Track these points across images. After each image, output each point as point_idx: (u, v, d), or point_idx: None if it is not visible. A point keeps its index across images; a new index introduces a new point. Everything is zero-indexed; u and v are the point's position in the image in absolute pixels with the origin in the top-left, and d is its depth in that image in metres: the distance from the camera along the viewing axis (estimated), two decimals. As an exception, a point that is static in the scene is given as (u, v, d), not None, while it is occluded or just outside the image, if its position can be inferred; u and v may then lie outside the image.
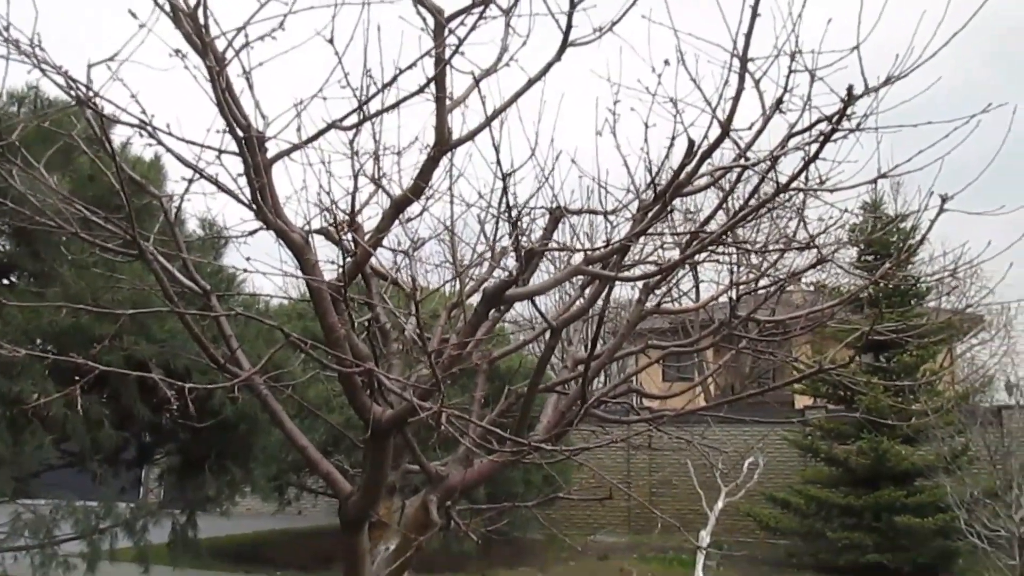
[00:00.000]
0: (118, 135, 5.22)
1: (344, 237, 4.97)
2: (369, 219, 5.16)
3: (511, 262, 6.04)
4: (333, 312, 3.74)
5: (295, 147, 3.38)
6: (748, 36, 3.12)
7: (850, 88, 2.85)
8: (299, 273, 5.46)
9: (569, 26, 4.00)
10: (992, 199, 4.03)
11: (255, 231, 4.75)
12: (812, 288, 13.80)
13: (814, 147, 3.68)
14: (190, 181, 3.97)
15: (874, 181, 2.98)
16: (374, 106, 3.56)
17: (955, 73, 3.32)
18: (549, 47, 4.28)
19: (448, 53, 3.72)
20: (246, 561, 14.58)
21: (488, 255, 5.42)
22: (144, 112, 3.39)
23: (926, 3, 3.61)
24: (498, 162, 4.18)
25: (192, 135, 3.51)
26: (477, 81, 3.95)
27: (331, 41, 3.05)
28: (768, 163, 3.79)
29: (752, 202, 4.27)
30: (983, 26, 3.53)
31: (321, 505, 19.76)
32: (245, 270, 4.08)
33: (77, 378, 3.57)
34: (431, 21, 3.76)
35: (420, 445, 4.82)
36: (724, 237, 3.84)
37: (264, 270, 4.44)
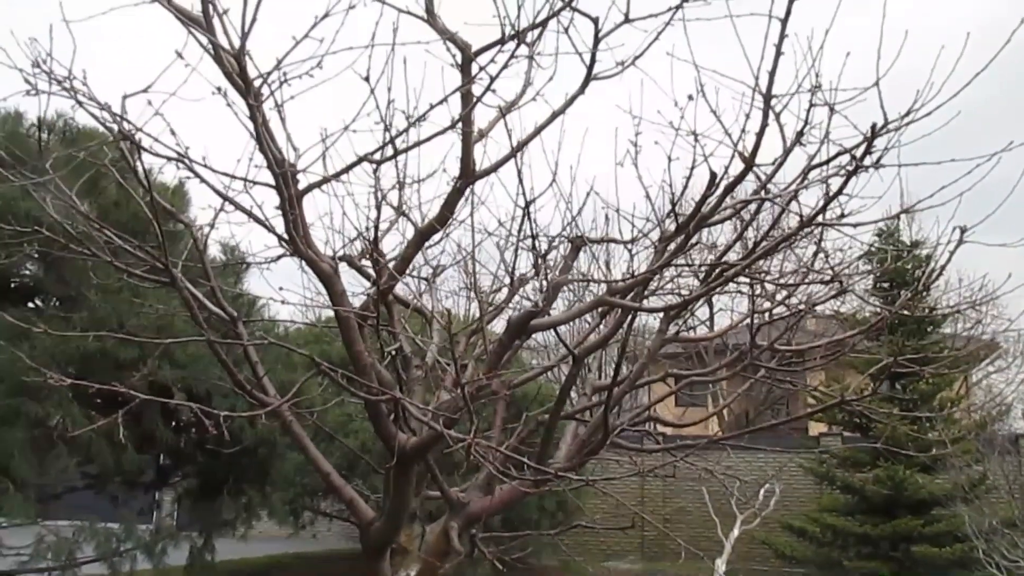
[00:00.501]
0: (147, 163, 5.35)
1: (365, 264, 5.07)
2: (393, 249, 5.26)
3: (531, 290, 6.13)
4: (360, 340, 3.81)
5: (326, 180, 3.47)
6: (772, 74, 3.19)
7: (873, 125, 2.91)
8: (325, 300, 5.56)
9: (593, 60, 4.09)
10: (1009, 227, 4.07)
11: (279, 257, 4.85)
12: (827, 315, 13.76)
13: (833, 179, 3.76)
14: (219, 210, 4.08)
15: (896, 217, 3.03)
16: (401, 138, 3.65)
17: (976, 98, 3.38)
18: (572, 81, 4.38)
19: (473, 87, 3.82)
20: (260, 584, 14.58)
21: (507, 282, 5.49)
22: (178, 142, 3.51)
23: (946, 35, 3.68)
24: (521, 191, 4.27)
25: (219, 163, 3.61)
26: (503, 114, 4.04)
27: (367, 79, 3.15)
28: (789, 195, 3.85)
29: (773, 233, 4.33)
30: (1006, 52, 3.58)
31: (335, 529, 19.72)
32: (271, 298, 4.17)
33: (120, 406, 3.65)
34: (458, 55, 3.87)
35: (439, 471, 4.87)
36: (745, 269, 3.89)
37: (286, 296, 4.53)
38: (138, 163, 3.80)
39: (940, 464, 14.26)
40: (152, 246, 4.16)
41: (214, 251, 9.37)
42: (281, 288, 3.89)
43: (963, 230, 3.91)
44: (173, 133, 3.33)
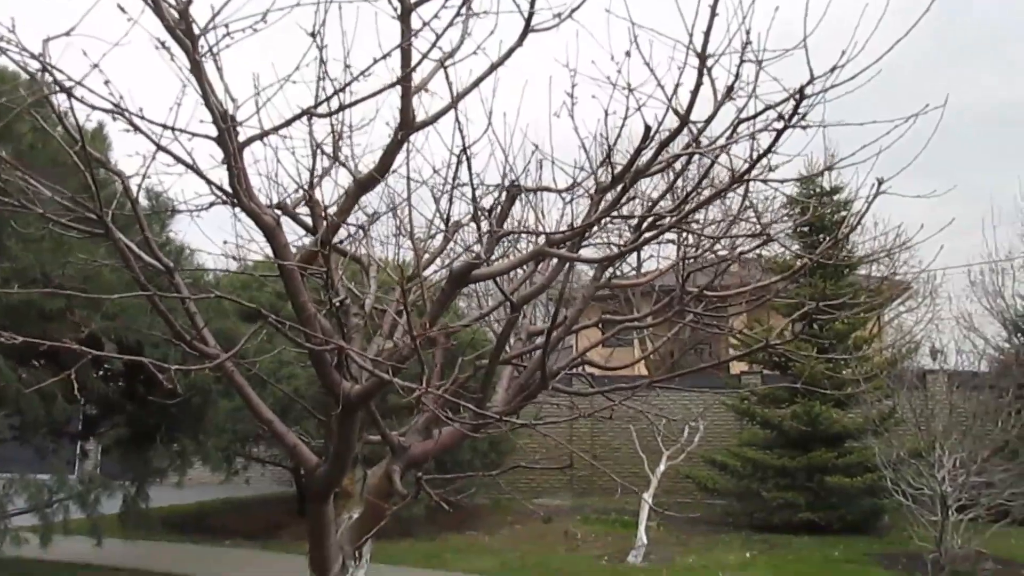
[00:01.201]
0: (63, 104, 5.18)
1: (301, 212, 5.06)
2: (329, 197, 5.25)
3: (468, 238, 6.20)
4: (304, 292, 3.85)
5: (266, 132, 3.46)
6: (707, 34, 3.30)
7: (801, 88, 3.06)
8: (256, 247, 5.54)
9: (531, 12, 4.12)
10: (923, 173, 4.29)
11: (211, 205, 4.80)
12: (751, 259, 14.23)
13: (761, 135, 3.92)
14: (151, 160, 4.01)
15: (820, 174, 3.21)
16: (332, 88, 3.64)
17: (902, 49, 3.56)
18: (510, 31, 4.40)
19: (413, 39, 3.83)
20: (193, 531, 14.59)
21: (442, 229, 5.55)
22: (111, 91, 3.43)
23: None
24: (460, 141, 4.31)
25: (147, 106, 3.54)
26: (442, 65, 4.05)
27: (313, 35, 3.13)
28: (719, 149, 4.00)
29: (704, 185, 4.49)
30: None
31: (268, 474, 19.76)
32: (203, 251, 4.15)
33: (47, 357, 3.63)
34: (398, 6, 3.86)
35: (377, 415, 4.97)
36: (676, 217, 4.04)
37: (216, 241, 4.52)
38: (68, 112, 3.71)
39: (853, 400, 15.03)
40: (84, 197, 4.08)
41: (140, 197, 9.14)
42: (225, 242, 3.86)
43: (880, 181, 4.12)
44: (107, 83, 3.26)
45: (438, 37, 3.49)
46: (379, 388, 3.98)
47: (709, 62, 3.81)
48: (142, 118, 3.34)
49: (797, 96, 3.08)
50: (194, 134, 3.39)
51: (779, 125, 3.52)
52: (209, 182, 3.51)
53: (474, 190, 4.11)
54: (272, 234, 3.71)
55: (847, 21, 3.83)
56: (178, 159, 3.39)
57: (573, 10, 4.24)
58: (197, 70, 2.96)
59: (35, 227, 6.19)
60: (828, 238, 15.49)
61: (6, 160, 4.27)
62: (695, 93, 3.43)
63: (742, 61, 3.83)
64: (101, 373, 9.11)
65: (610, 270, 5.34)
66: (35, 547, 7.93)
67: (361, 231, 6.40)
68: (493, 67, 4.26)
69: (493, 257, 4.67)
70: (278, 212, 3.83)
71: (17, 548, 7.73)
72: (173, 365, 3.45)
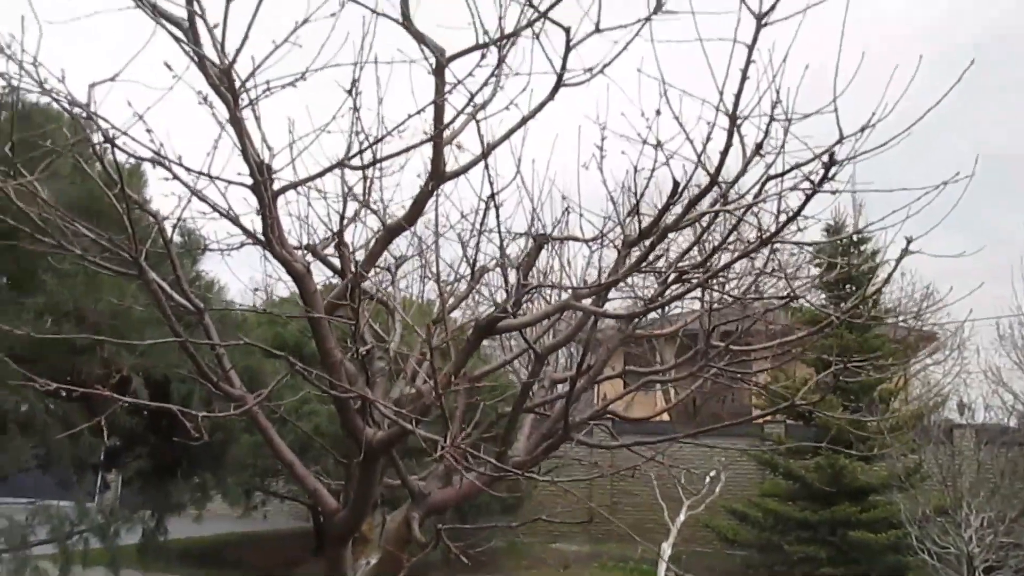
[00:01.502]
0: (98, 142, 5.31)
1: (330, 254, 5.13)
2: (356, 240, 5.32)
3: (492, 284, 6.24)
4: (331, 338, 3.88)
5: (301, 182, 3.53)
6: (738, 96, 3.33)
7: (832, 153, 3.07)
8: (283, 284, 5.58)
9: (563, 67, 4.19)
10: (952, 220, 4.26)
11: (242, 245, 4.88)
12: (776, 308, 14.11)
13: (788, 194, 3.93)
14: (187, 203, 4.10)
15: (849, 236, 3.20)
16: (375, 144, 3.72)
17: (930, 97, 3.59)
18: (542, 84, 4.47)
19: (447, 91, 3.90)
20: (210, 564, 14.57)
21: (468, 274, 5.60)
22: (152, 138, 3.52)
23: (903, 53, 3.86)
24: (492, 193, 4.36)
25: (183, 146, 3.62)
26: (474, 118, 4.12)
27: (350, 91, 3.21)
28: (746, 208, 4.01)
29: (730, 240, 4.49)
30: (958, 54, 3.78)
31: (286, 509, 19.73)
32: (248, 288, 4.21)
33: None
34: (432, 59, 3.94)
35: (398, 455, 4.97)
36: (705, 276, 4.05)
37: (244, 275, 4.56)
38: (109, 157, 3.81)
39: (878, 454, 14.80)
40: (120, 238, 4.15)
41: (169, 230, 9.28)
42: (256, 290, 3.91)
43: (909, 241, 4.11)
44: (149, 131, 3.35)
45: (472, 96, 3.55)
46: (401, 436, 4.00)
47: (739, 121, 3.86)
48: (180, 165, 3.42)
49: (826, 161, 3.09)
50: (230, 182, 3.46)
51: (807, 186, 3.53)
52: (244, 229, 3.58)
53: (501, 240, 4.15)
54: (302, 281, 3.76)
55: (878, 71, 3.85)
56: (214, 207, 3.47)
57: (605, 66, 4.31)
58: (237, 124, 3.04)
59: (70, 263, 6.32)
60: (855, 290, 15.40)
61: (45, 201, 4.37)
62: (725, 153, 3.46)
63: (771, 119, 3.86)
64: (127, 405, 9.17)
65: (634, 321, 5.34)
66: (54, 577, 7.96)
67: (388, 273, 6.46)
68: (524, 120, 4.32)
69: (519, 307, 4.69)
70: (308, 259, 3.88)
71: (38, 578, 7.76)
72: (200, 410, 3.50)
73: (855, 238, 14.97)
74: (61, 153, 4.72)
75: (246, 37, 2.82)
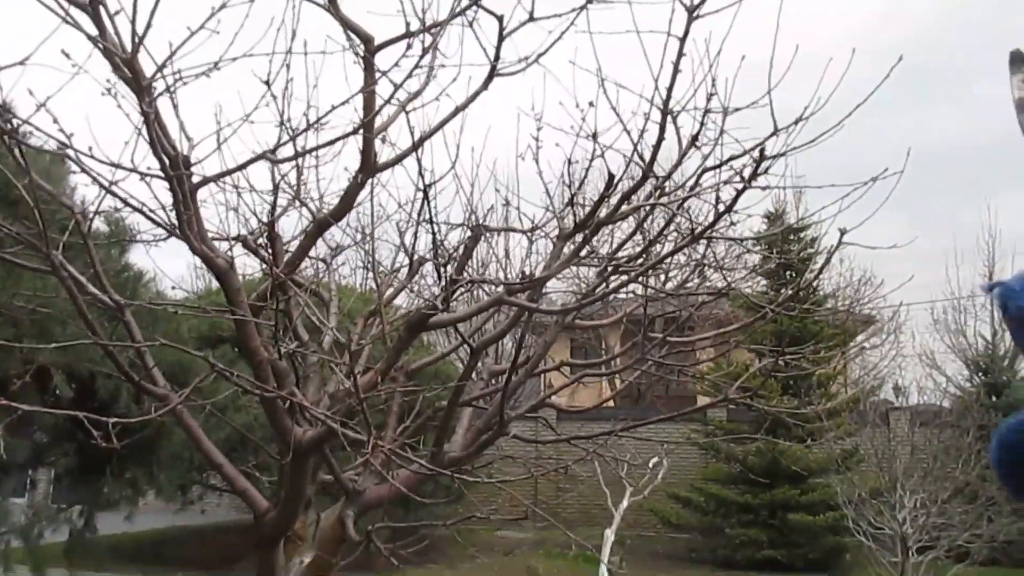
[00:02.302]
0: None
1: (261, 245, 4.97)
2: (291, 231, 5.17)
3: (429, 275, 6.13)
4: (256, 336, 3.74)
5: (221, 175, 3.37)
6: (670, 90, 3.28)
7: (762, 150, 3.04)
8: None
9: (497, 57, 4.09)
10: (889, 203, 4.28)
11: (168, 236, 4.69)
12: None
13: (726, 187, 3.91)
14: (103, 196, 3.90)
15: (786, 231, 3.18)
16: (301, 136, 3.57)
17: (867, 84, 3.59)
18: (476, 73, 4.37)
19: (376, 81, 3.77)
20: (146, 561, 14.22)
21: (406, 263, 5.48)
22: (60, 128, 3.33)
23: (838, 48, 3.86)
24: (425, 187, 4.24)
25: (100, 135, 3.43)
26: (403, 109, 4.00)
27: (267, 82, 3.06)
28: (681, 200, 3.98)
29: (667, 232, 4.47)
30: (896, 42, 3.78)
31: (224, 502, 19.37)
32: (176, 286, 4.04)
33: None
34: (360, 48, 3.80)
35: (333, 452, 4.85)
36: (642, 268, 4.00)
37: (174, 266, 4.39)
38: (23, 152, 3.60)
39: (816, 437, 15.09)
40: (33, 234, 3.94)
41: (97, 222, 8.94)
42: (172, 287, 3.75)
43: (843, 231, 4.13)
44: (55, 120, 3.15)
45: (398, 86, 3.43)
46: (330, 436, 3.88)
47: (672, 113, 3.81)
48: (91, 157, 3.23)
49: (757, 157, 3.06)
50: (144, 174, 3.29)
51: (740, 181, 3.50)
52: (158, 223, 3.41)
53: (435, 234, 4.04)
54: (225, 278, 3.61)
55: (815, 66, 3.84)
56: (125, 202, 3.29)
57: (539, 55, 4.22)
58: (146, 117, 2.87)
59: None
60: (795, 277, 15.64)
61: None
62: (657, 147, 3.41)
63: (707, 111, 3.83)
64: (52, 401, 8.85)
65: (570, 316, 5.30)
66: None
67: (324, 264, 6.32)
68: (457, 110, 4.21)
69: (454, 299, 4.60)
70: (233, 255, 3.72)
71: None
72: (130, 406, 3.34)
73: (795, 226, 15.21)
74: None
75: (149, 25, 2.66)
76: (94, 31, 2.99)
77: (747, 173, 3.14)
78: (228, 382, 7.67)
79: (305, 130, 3.38)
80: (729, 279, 4.40)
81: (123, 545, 14.44)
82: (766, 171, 3.23)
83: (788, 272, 15.02)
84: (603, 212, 3.85)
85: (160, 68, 2.90)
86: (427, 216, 4.63)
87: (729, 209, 3.24)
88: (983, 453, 12.60)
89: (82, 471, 9.33)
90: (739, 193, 3.19)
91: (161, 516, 17.55)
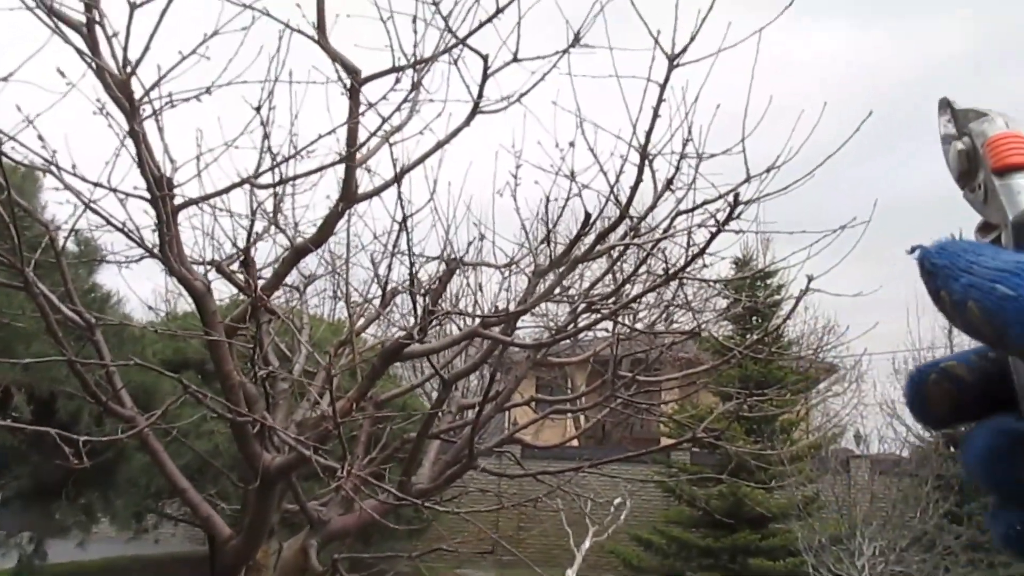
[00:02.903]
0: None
1: (235, 271, 4.97)
2: (266, 256, 5.17)
3: (402, 306, 6.15)
4: (230, 360, 3.74)
5: (204, 198, 3.40)
6: (648, 134, 3.38)
7: (737, 194, 3.14)
8: (185, 298, 5.37)
9: (480, 95, 4.18)
10: (855, 253, 4.40)
11: (142, 258, 4.68)
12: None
13: (698, 230, 4.01)
14: (80, 214, 3.90)
15: (754, 277, 3.27)
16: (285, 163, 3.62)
17: (837, 129, 3.72)
18: (458, 110, 4.45)
19: (362, 112, 3.84)
20: (96, 590, 13.83)
21: (379, 294, 5.50)
22: (44, 145, 3.34)
23: (809, 100, 4.00)
24: (403, 218, 4.29)
25: (81, 154, 3.44)
26: (387, 141, 4.06)
27: (257, 109, 3.11)
28: (655, 242, 4.07)
29: (640, 272, 4.55)
30: (871, 95, 3.93)
31: (179, 532, 18.93)
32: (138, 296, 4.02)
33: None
34: (347, 80, 3.87)
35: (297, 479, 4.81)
36: (614, 307, 4.07)
37: (143, 289, 4.36)
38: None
39: (778, 482, 15.19)
40: (5, 248, 3.92)
41: (68, 243, 8.85)
42: (150, 307, 3.74)
43: (810, 278, 4.24)
44: (40, 137, 3.17)
45: (385, 120, 3.49)
46: (301, 463, 3.87)
47: (650, 157, 3.91)
48: (74, 174, 3.25)
49: (731, 202, 3.15)
50: (128, 194, 3.31)
51: (713, 224, 3.60)
52: (140, 244, 3.42)
53: (412, 265, 4.08)
54: (202, 301, 3.61)
55: (786, 117, 3.97)
56: (107, 220, 3.30)
57: (521, 95, 4.32)
58: (135, 138, 2.90)
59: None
60: (761, 322, 15.84)
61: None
62: (635, 187, 3.50)
63: (682, 156, 3.93)
64: (8, 422, 8.65)
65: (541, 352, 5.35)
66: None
67: (296, 292, 6.31)
68: (439, 145, 4.29)
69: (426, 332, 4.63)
70: (209, 279, 3.73)
71: None
72: (90, 428, 3.30)
73: (763, 271, 15.44)
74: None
75: (147, 48, 2.70)
76: (81, 49, 3.03)
77: (721, 217, 3.23)
78: (192, 408, 7.60)
79: (290, 157, 3.43)
80: (699, 320, 4.48)
81: (72, 574, 14.05)
82: (739, 216, 3.32)
83: (754, 317, 15.22)
84: (579, 250, 3.92)
85: (149, 90, 2.93)
86: (404, 247, 4.69)
87: (703, 252, 3.33)
88: (941, 503, 12.78)
89: (35, 495, 9.11)
90: (713, 236, 3.28)
91: (112, 544, 17.12)
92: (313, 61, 3.92)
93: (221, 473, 9.97)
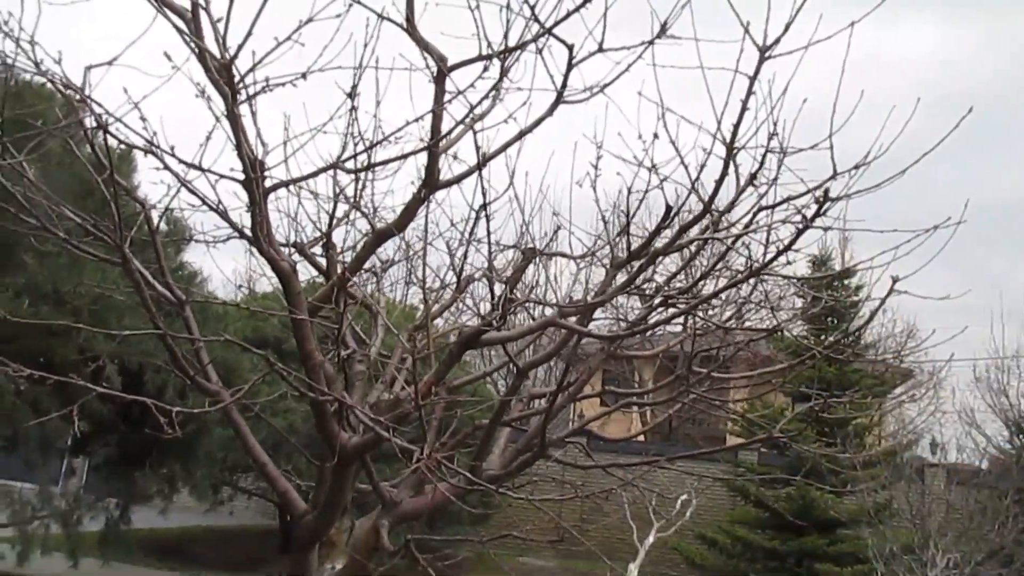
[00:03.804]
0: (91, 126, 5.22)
1: (316, 254, 5.09)
2: (344, 241, 5.29)
3: (479, 295, 6.21)
4: (312, 339, 3.84)
5: (293, 181, 3.49)
6: (736, 127, 3.34)
7: (827, 189, 3.08)
8: (265, 276, 5.54)
9: (564, 84, 4.19)
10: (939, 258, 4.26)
11: (228, 238, 4.84)
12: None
13: (778, 226, 3.95)
14: (175, 193, 4.06)
15: (839, 276, 3.21)
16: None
17: (929, 135, 3.61)
18: (541, 98, 4.46)
19: (448, 100, 3.89)
20: (173, 558, 14.37)
21: (454, 282, 5.57)
22: (145, 126, 3.48)
23: (902, 97, 3.88)
24: (484, 203, 4.34)
25: (176, 135, 3.58)
26: (470, 128, 4.10)
27: (350, 95, 3.18)
28: (736, 237, 4.02)
29: (718, 268, 4.51)
30: (961, 97, 3.80)
31: (252, 505, 19.52)
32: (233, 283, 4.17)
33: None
34: (434, 67, 3.92)
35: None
36: (691, 301, 4.04)
37: (228, 267, 4.51)
38: (98, 140, 3.76)
39: (850, 487, 14.83)
40: (103, 222, 4.10)
41: (156, 217, 9.18)
42: (240, 286, 3.88)
43: (895, 279, 4.13)
44: (143, 119, 3.31)
45: (472, 108, 3.53)
46: (377, 443, 3.96)
47: (736, 149, 3.86)
48: (172, 155, 3.38)
49: (820, 196, 3.10)
50: (222, 176, 3.43)
51: (798, 219, 3.54)
52: (232, 224, 3.54)
53: (490, 251, 4.12)
54: (287, 280, 3.72)
55: (875, 113, 3.87)
56: (204, 200, 3.43)
57: (605, 86, 4.31)
58: (233, 120, 3.01)
59: (53, 244, 6.22)
60: (836, 323, 15.46)
61: (31, 180, 4.31)
62: (720, 181, 3.47)
63: (767, 151, 3.87)
64: (102, 388, 9.03)
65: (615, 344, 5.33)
66: (12, 562, 7.81)
67: (374, 276, 6.42)
68: (522, 134, 4.31)
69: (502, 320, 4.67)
70: (295, 259, 3.84)
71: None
72: (173, 401, 3.45)
73: (843, 271, 15.06)
74: (51, 133, 4.66)
75: (249, 33, 2.80)
76: (185, 33, 3.15)
77: (808, 213, 3.18)
78: (270, 385, 7.81)
79: (376, 144, 3.50)
80: (777, 319, 4.41)
81: (152, 540, 14.62)
82: (826, 212, 3.26)
83: (830, 318, 14.86)
84: (658, 243, 3.90)
85: (245, 75, 3.03)
86: (480, 235, 4.74)
87: (789, 247, 3.28)
88: (1020, 517, 12.30)
89: (121, 462, 9.51)
90: (800, 232, 3.23)
91: (190, 515, 17.76)
92: (400, 49, 4.00)
93: (295, 451, 10.27)
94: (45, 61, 3.56)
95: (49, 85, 6.41)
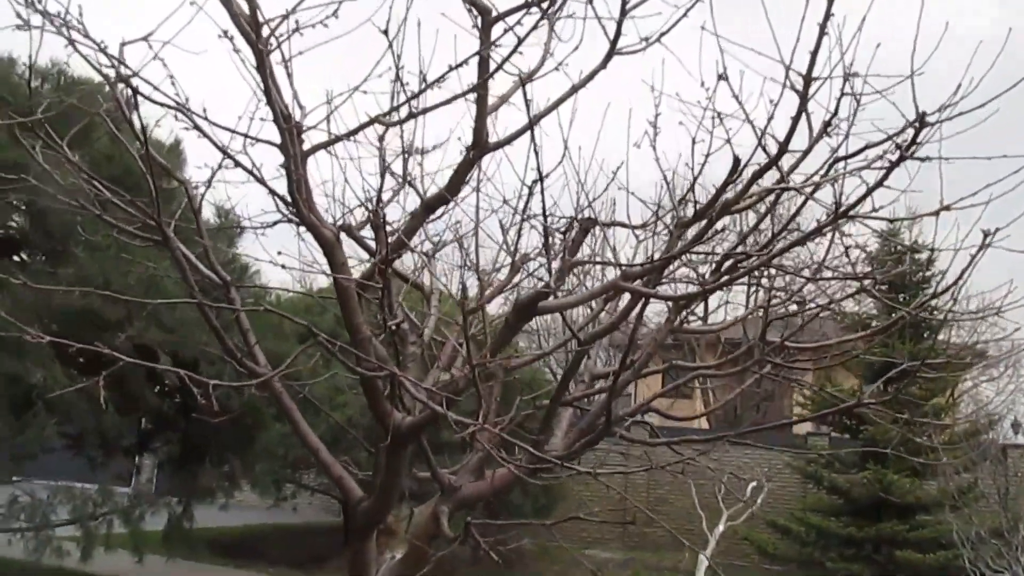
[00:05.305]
0: (145, 116, 5.13)
1: (365, 235, 4.88)
2: (395, 222, 5.07)
3: (542, 271, 5.95)
4: (359, 313, 3.63)
5: (333, 140, 3.27)
6: (814, 54, 3.01)
7: (923, 114, 2.74)
8: (319, 268, 5.36)
9: (618, 34, 3.90)
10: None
11: (276, 223, 4.66)
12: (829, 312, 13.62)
13: (865, 172, 3.59)
14: (217, 168, 3.89)
15: (936, 213, 2.86)
16: (414, 102, 3.45)
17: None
18: (592, 55, 4.18)
19: (492, 54, 3.62)
20: (238, 555, 14.44)
21: (508, 262, 5.31)
22: (178, 91, 3.31)
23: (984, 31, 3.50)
24: (537, 166, 4.07)
25: (220, 117, 3.41)
26: (522, 83, 3.84)
27: (385, 31, 2.95)
28: (815, 186, 3.68)
29: (793, 225, 4.16)
30: None
31: (316, 502, 19.59)
32: (270, 261, 4.00)
33: (104, 367, 3.47)
34: (478, 18, 3.67)
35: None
36: (767, 263, 3.72)
37: (281, 262, 4.33)
38: (134, 113, 3.59)
39: (928, 470, 14.21)
40: (144, 202, 3.95)
41: (208, 213, 9.14)
42: (280, 252, 3.69)
43: (986, 234, 3.73)
44: (173, 82, 3.13)
45: (516, 46, 3.26)
46: (431, 420, 3.73)
47: (810, 89, 3.52)
48: (205, 119, 3.19)
49: (917, 123, 2.75)
50: (256, 139, 3.22)
51: (884, 162, 3.19)
52: (271, 190, 3.34)
53: (546, 218, 3.84)
54: (331, 249, 3.51)
55: (954, 61, 3.50)
56: (238, 163, 3.23)
57: (662, 34, 4.02)
58: (261, 62, 2.80)
59: (102, 234, 6.16)
60: (905, 300, 14.82)
61: (72, 163, 4.18)
62: (797, 119, 3.14)
63: (842, 95, 3.52)
64: (157, 388, 9.06)
65: (682, 313, 5.02)
66: (76, 559, 7.83)
67: (425, 258, 6.20)
68: (574, 89, 4.04)
69: (562, 290, 4.40)
70: (340, 231, 3.63)
71: (59, 559, 7.63)
72: (229, 392, 3.27)
73: (911, 244, 14.42)
74: (96, 115, 4.53)
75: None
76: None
77: (904, 143, 2.84)
78: (324, 370, 7.63)
79: (421, 91, 3.25)
80: (858, 276, 4.05)
81: (216, 538, 14.73)
82: (922, 144, 2.91)
83: (902, 296, 14.26)
84: (728, 195, 3.59)
85: (279, 24, 2.82)
86: (535, 209, 4.47)
87: (881, 183, 2.94)
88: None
89: (183, 459, 9.52)
90: (894, 164, 2.88)
91: (254, 512, 17.88)
92: (441, 9, 3.75)
93: (355, 444, 10.17)
94: (78, 41, 3.42)
95: (97, 79, 6.30)
